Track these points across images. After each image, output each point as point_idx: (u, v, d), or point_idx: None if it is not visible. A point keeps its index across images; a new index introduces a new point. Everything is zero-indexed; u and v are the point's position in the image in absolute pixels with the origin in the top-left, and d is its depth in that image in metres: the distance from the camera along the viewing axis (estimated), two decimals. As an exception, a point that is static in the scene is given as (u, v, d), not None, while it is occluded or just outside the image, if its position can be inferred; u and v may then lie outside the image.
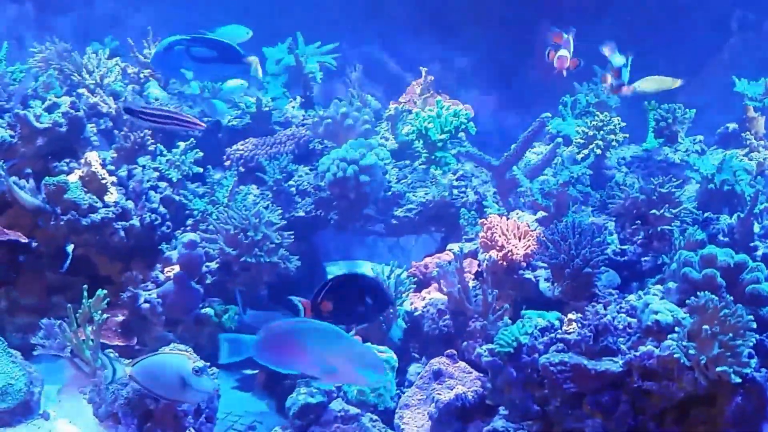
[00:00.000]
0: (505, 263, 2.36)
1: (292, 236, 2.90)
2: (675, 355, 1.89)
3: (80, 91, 3.02)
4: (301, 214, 3.17)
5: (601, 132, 3.03)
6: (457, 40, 4.52)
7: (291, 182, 3.25)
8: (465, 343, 2.29)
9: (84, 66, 3.12)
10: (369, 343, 2.46)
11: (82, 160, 2.76)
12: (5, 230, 2.76)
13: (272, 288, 2.96)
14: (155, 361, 2.11)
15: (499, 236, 2.42)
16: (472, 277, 2.53)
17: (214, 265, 2.85)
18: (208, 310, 2.77)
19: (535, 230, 2.47)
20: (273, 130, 3.53)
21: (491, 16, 4.45)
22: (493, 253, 2.39)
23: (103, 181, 2.75)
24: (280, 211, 2.93)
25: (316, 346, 1.89)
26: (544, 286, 2.35)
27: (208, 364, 2.24)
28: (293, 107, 3.67)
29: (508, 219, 2.53)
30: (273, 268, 2.82)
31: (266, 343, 1.92)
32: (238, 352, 1.97)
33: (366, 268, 3.00)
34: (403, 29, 4.52)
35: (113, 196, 2.78)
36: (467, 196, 3.00)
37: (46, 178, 2.71)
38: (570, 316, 2.08)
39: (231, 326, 2.76)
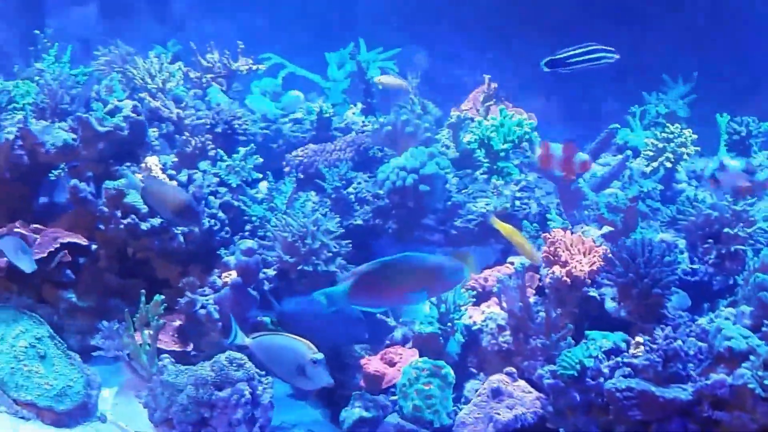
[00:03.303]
0: (568, 280, 2.28)
1: (350, 245, 2.87)
2: (749, 385, 1.80)
3: (142, 95, 3.05)
4: (359, 222, 3.13)
5: (672, 144, 2.91)
6: (518, 46, 4.44)
7: (350, 189, 3.22)
8: (526, 363, 2.21)
9: (147, 70, 3.16)
10: (425, 357, 2.41)
11: (143, 165, 2.78)
12: (66, 233, 2.81)
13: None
14: (277, 341, 2.19)
15: (563, 251, 2.33)
16: (533, 292, 2.45)
17: (271, 272, 2.84)
18: (264, 318, 2.76)
19: (600, 246, 2.37)
20: (333, 137, 3.51)
21: (554, 22, 4.35)
22: (557, 269, 2.30)
23: (164, 186, 2.76)
24: (338, 219, 2.90)
25: (403, 277, 2.08)
26: (609, 305, 2.25)
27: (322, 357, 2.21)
28: (354, 113, 3.65)
29: (572, 233, 2.44)
30: (330, 277, 2.79)
31: (357, 289, 2.10)
32: (334, 303, 2.16)
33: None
34: (463, 35, 4.46)
35: (173, 200, 2.79)
36: (530, 207, 2.92)
37: (107, 182, 2.73)
38: (637, 339, 1.99)
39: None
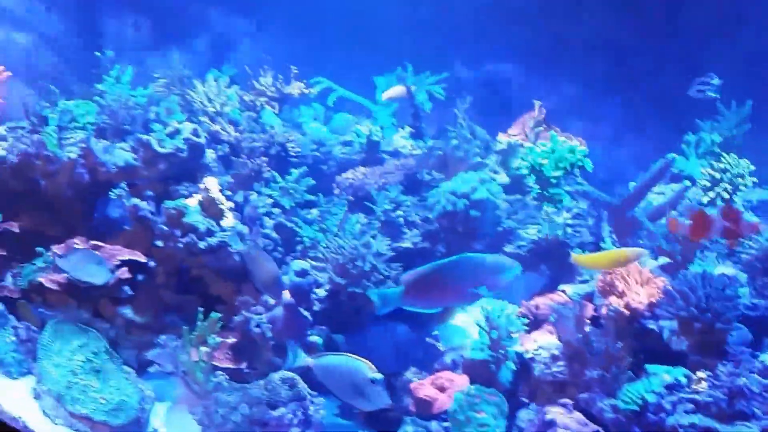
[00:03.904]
0: (627, 312, 2.26)
1: (401, 268, 2.89)
2: (817, 425, 1.76)
3: (202, 119, 3.12)
4: (408, 245, 3.14)
5: (728, 174, 2.89)
6: (565, 69, 4.44)
7: (399, 212, 3.24)
8: (584, 395, 2.19)
9: (205, 93, 3.23)
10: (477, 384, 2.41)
11: (202, 185, 2.84)
12: (125, 249, 2.88)
13: (375, 318, 2.96)
14: (338, 360, 2.26)
15: (620, 282, 2.32)
16: (588, 322, 2.43)
17: (322, 292, 2.87)
18: (315, 338, 2.78)
19: (658, 278, 2.36)
20: (382, 160, 3.54)
21: (604, 45, 4.35)
22: (614, 300, 2.29)
23: (221, 206, 2.82)
24: (388, 242, 2.93)
25: (458, 276, 2.20)
26: (668, 338, 2.23)
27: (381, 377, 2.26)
28: (402, 137, 3.68)
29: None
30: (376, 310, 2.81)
31: (411, 291, 2.22)
32: (388, 304, 2.31)
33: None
34: (509, 59, 4.48)
35: (229, 220, 2.84)
36: (582, 235, 2.91)
37: (166, 201, 2.79)
38: (699, 374, 1.97)
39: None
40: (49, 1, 4.06)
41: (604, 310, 2.32)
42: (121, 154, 2.87)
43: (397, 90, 3.64)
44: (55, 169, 2.92)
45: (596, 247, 2.83)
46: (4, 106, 3.36)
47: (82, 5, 4.25)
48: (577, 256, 2.43)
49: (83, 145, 2.89)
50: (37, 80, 3.50)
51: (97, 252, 2.55)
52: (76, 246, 2.91)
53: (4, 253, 3.01)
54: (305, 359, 2.34)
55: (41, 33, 4.00)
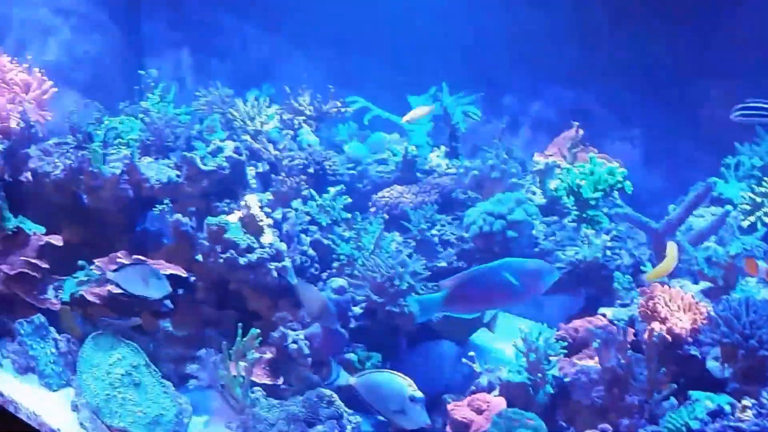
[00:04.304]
0: (669, 337, 2.25)
1: (436, 287, 2.89)
2: None
3: (245, 137, 3.17)
4: (443, 264, 3.15)
5: (770, 199, 2.87)
6: (598, 89, 4.43)
7: (434, 231, 3.25)
8: (625, 421, 2.17)
9: (246, 112, 3.28)
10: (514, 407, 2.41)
11: (242, 202, 2.88)
12: (167, 264, 2.92)
13: (411, 336, 2.97)
14: (379, 377, 2.30)
15: (662, 307, 2.31)
16: (629, 347, 2.42)
17: (358, 310, 2.89)
18: (352, 356, 2.79)
19: (700, 303, 2.34)
20: (417, 179, 3.56)
21: (638, 64, 4.33)
22: (656, 325, 2.28)
23: (260, 223, 2.85)
24: (424, 261, 2.94)
25: (498, 283, 2.23)
26: (711, 365, 2.21)
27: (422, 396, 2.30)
28: (437, 156, 3.69)
29: (670, 288, 2.42)
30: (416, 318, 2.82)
31: (452, 296, 2.23)
32: (429, 311, 2.35)
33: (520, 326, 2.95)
34: (542, 79, 4.48)
35: (268, 237, 2.87)
36: (622, 258, 2.90)
37: (208, 218, 2.84)
38: (744, 402, 1.95)
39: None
40: (92, 20, 4.16)
41: (646, 335, 2.30)
42: (165, 171, 2.93)
43: (418, 111, 3.66)
44: (99, 184, 2.99)
45: (635, 269, 2.81)
46: (50, 122, 3.44)
47: (125, 24, 4.35)
48: (650, 274, 2.46)
49: (127, 161, 2.96)
50: (82, 97, 3.58)
51: (154, 265, 2.59)
52: (119, 259, 2.96)
53: (47, 266, 3.08)
54: (347, 378, 2.37)
55: (85, 50, 4.10)
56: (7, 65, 3.25)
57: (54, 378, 2.91)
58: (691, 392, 2.13)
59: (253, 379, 2.65)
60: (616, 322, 2.52)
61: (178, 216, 2.85)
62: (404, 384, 2.25)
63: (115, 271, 2.68)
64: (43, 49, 3.95)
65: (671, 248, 2.42)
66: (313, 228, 3.06)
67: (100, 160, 2.93)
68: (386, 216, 3.35)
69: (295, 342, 2.73)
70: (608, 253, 2.90)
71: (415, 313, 2.41)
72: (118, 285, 2.70)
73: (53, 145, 3.26)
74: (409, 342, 2.97)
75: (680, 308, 2.31)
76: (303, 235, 3.00)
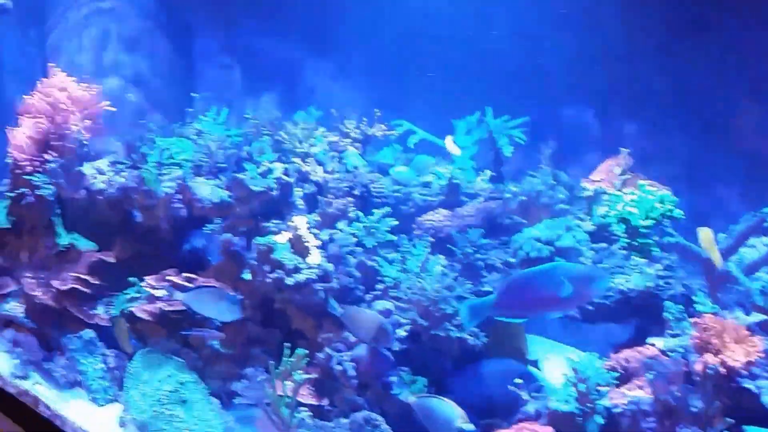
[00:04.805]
0: (723, 369, 2.21)
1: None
2: None
3: (294, 159, 3.22)
4: (489, 289, 3.14)
5: (825, 229, 2.81)
6: (647, 117, 4.39)
7: (478, 255, 3.24)
8: (678, 453, 2.14)
9: (295, 135, 3.33)
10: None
11: (290, 223, 2.92)
12: (216, 283, 2.97)
13: (456, 362, 2.96)
14: (435, 403, 2.36)
15: (716, 339, 2.27)
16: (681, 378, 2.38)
17: (403, 333, 2.89)
18: (396, 379, 2.79)
19: (755, 335, 2.29)
20: (461, 202, 3.56)
21: (686, 95, 4.30)
22: (709, 357, 2.24)
23: (308, 244, 2.88)
24: (469, 285, 2.94)
25: (549, 286, 2.23)
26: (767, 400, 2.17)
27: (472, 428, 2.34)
28: (482, 180, 3.69)
29: (724, 319, 2.38)
30: (461, 343, 2.82)
31: (503, 299, 2.26)
32: (478, 314, 2.38)
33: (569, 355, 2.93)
34: (588, 104, 4.46)
35: (315, 258, 2.90)
36: (673, 288, 2.86)
37: (258, 238, 2.88)
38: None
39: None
40: (146, 43, 4.28)
41: (698, 367, 2.26)
42: (216, 191, 2.99)
43: (455, 149, 3.67)
44: (152, 203, 3.06)
45: (686, 299, 2.77)
46: (104, 142, 3.53)
47: (177, 47, 4.45)
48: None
49: (180, 181, 3.02)
50: (136, 118, 3.68)
51: (225, 289, 2.64)
52: (169, 277, 3.02)
53: (98, 283, 3.16)
54: (408, 396, 2.45)
55: (139, 72, 4.21)
56: (66, 82, 3.35)
57: (101, 393, 2.96)
58: (745, 427, 2.09)
59: (299, 399, 2.67)
60: (669, 353, 2.48)
61: (228, 235, 2.90)
62: (456, 414, 2.29)
63: (186, 291, 2.73)
64: (97, 71, 4.06)
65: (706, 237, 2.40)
66: (359, 249, 3.08)
67: (154, 180, 3.00)
68: (431, 239, 3.36)
69: (340, 363, 2.75)
70: (659, 282, 2.86)
71: (463, 318, 2.42)
72: (187, 306, 2.74)
73: (108, 163, 3.35)
74: (454, 366, 2.97)
75: (734, 340, 2.26)
76: (349, 257, 3.02)
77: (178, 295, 2.71)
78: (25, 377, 3.00)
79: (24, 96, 3.41)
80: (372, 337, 2.63)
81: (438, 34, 4.15)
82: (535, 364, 3.08)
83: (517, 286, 2.29)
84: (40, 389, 2.94)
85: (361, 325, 2.65)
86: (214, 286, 2.74)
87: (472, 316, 2.39)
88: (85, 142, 3.35)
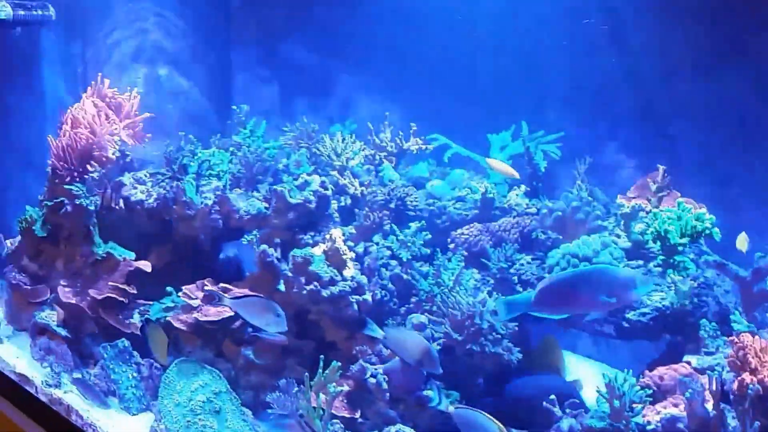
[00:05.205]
0: (760, 388, 2.17)
1: (516, 327, 2.88)
2: None
3: (332, 173, 3.25)
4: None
5: None
6: (683, 134, 4.35)
7: (512, 270, 3.24)
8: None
9: (333, 148, 3.36)
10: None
11: (327, 236, 2.94)
12: (251, 293, 2.99)
13: (488, 377, 2.94)
14: (474, 416, 2.37)
15: (753, 357, 2.24)
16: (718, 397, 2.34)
17: (436, 347, 2.88)
18: (430, 393, 2.79)
19: (794, 355, 2.26)
20: (495, 217, 3.56)
21: (722, 111, 4.25)
22: (747, 377, 2.21)
23: (344, 257, 2.90)
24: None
25: (592, 285, 2.25)
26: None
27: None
28: (517, 195, 3.69)
29: (761, 339, 2.34)
30: (496, 358, 2.81)
31: (541, 298, 2.28)
32: (513, 310, 2.40)
33: (599, 370, 2.91)
34: (623, 121, 4.43)
35: (350, 270, 2.92)
36: (708, 306, 2.83)
37: (294, 249, 2.91)
38: None
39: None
40: (185, 56, 4.35)
41: (735, 386, 2.23)
42: (254, 203, 3.02)
43: (502, 167, 3.66)
44: (191, 214, 3.10)
45: (721, 317, 2.73)
46: (144, 152, 3.61)
47: (216, 60, 4.53)
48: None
49: (219, 193, 3.07)
50: (176, 130, 3.73)
51: (274, 304, 2.68)
52: (207, 287, 3.06)
53: (134, 292, 3.20)
54: (447, 405, 2.48)
55: (179, 84, 4.28)
56: (107, 94, 3.42)
57: (134, 402, 2.98)
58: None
59: (332, 411, 2.68)
60: (709, 372, 2.45)
61: (264, 247, 2.93)
62: (495, 429, 2.29)
63: (234, 298, 2.77)
64: (137, 83, 4.14)
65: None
66: (393, 263, 3.09)
67: (194, 191, 3.05)
68: (465, 253, 3.36)
69: (374, 376, 2.76)
70: (695, 300, 2.83)
71: (499, 312, 2.45)
72: (236, 311, 2.77)
73: (147, 174, 3.41)
74: (488, 380, 2.96)
75: (773, 360, 2.23)
76: (383, 270, 3.03)
77: (227, 301, 2.74)
78: (57, 386, 3.05)
79: (66, 106, 3.49)
80: (417, 360, 2.63)
81: (473, 49, 4.16)
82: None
83: (558, 285, 2.30)
84: (72, 398, 2.99)
85: (406, 347, 2.66)
86: (261, 297, 2.77)
87: (508, 311, 2.42)
88: (127, 153, 3.42)
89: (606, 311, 2.58)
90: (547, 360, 3.05)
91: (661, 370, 2.65)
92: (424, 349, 2.62)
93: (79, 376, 3.06)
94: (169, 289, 3.17)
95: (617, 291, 2.24)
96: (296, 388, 2.69)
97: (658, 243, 2.98)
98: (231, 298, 2.73)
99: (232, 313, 2.87)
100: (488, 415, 2.33)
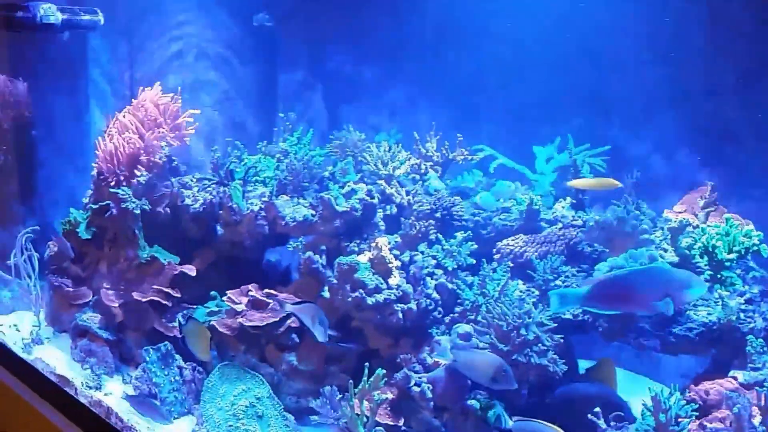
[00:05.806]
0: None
1: (562, 339, 2.85)
2: None
3: (378, 181, 3.26)
4: (568, 316, 3.10)
5: None
6: (730, 150, 4.28)
7: (558, 282, 3.21)
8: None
9: (379, 157, 3.38)
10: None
11: (373, 244, 2.95)
12: (295, 299, 3.01)
13: (532, 388, 2.92)
14: (538, 427, 2.37)
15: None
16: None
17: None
18: (474, 402, 2.78)
19: None
20: (540, 228, 3.54)
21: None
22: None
23: (389, 265, 2.91)
24: (550, 312, 2.90)
25: (646, 285, 2.29)
26: None
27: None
28: (562, 207, 3.66)
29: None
30: (542, 370, 2.79)
31: (595, 293, 2.33)
32: (566, 303, 2.48)
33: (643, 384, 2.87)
34: (669, 136, 4.38)
35: (396, 279, 2.93)
36: (755, 321, 2.78)
37: (340, 257, 2.92)
38: None
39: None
40: (233, 63, 4.41)
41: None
42: (301, 210, 3.05)
43: (590, 182, 3.63)
44: (237, 219, 3.13)
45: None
46: (190, 159, 3.65)
47: (263, 68, 4.58)
48: None
49: (266, 199, 3.09)
50: (223, 136, 3.79)
51: (321, 312, 2.70)
52: (251, 292, 3.08)
53: (178, 295, 3.22)
54: (508, 421, 2.53)
55: (226, 91, 4.34)
56: (157, 99, 3.46)
57: (176, 405, 3.00)
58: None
59: (375, 418, 2.67)
60: (757, 388, 2.40)
61: (310, 253, 2.95)
62: None
63: (294, 304, 2.79)
64: (184, 88, 4.20)
65: None
66: (439, 272, 3.08)
67: (240, 197, 3.08)
68: (511, 264, 3.34)
69: (418, 384, 2.75)
70: (742, 315, 2.78)
71: (552, 304, 2.49)
72: (296, 316, 2.79)
73: (194, 179, 3.45)
74: (530, 393, 2.93)
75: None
76: (429, 279, 3.03)
77: (289, 307, 2.75)
78: (97, 387, 3.08)
79: (114, 111, 3.54)
80: (491, 378, 2.61)
81: (521, 61, 4.15)
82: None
83: (614, 281, 2.34)
84: (112, 400, 3.01)
85: (478, 367, 2.65)
86: (314, 304, 2.78)
87: (561, 304, 2.47)
88: (174, 159, 3.46)
89: (656, 312, 2.55)
90: (600, 378, 3.01)
91: (706, 384, 2.61)
92: (499, 367, 2.59)
93: (121, 378, 3.08)
94: (213, 293, 3.20)
95: (672, 290, 2.25)
96: (339, 395, 2.69)
97: (706, 258, 2.94)
98: (292, 304, 2.74)
99: (277, 319, 2.89)
100: (548, 424, 2.32)
